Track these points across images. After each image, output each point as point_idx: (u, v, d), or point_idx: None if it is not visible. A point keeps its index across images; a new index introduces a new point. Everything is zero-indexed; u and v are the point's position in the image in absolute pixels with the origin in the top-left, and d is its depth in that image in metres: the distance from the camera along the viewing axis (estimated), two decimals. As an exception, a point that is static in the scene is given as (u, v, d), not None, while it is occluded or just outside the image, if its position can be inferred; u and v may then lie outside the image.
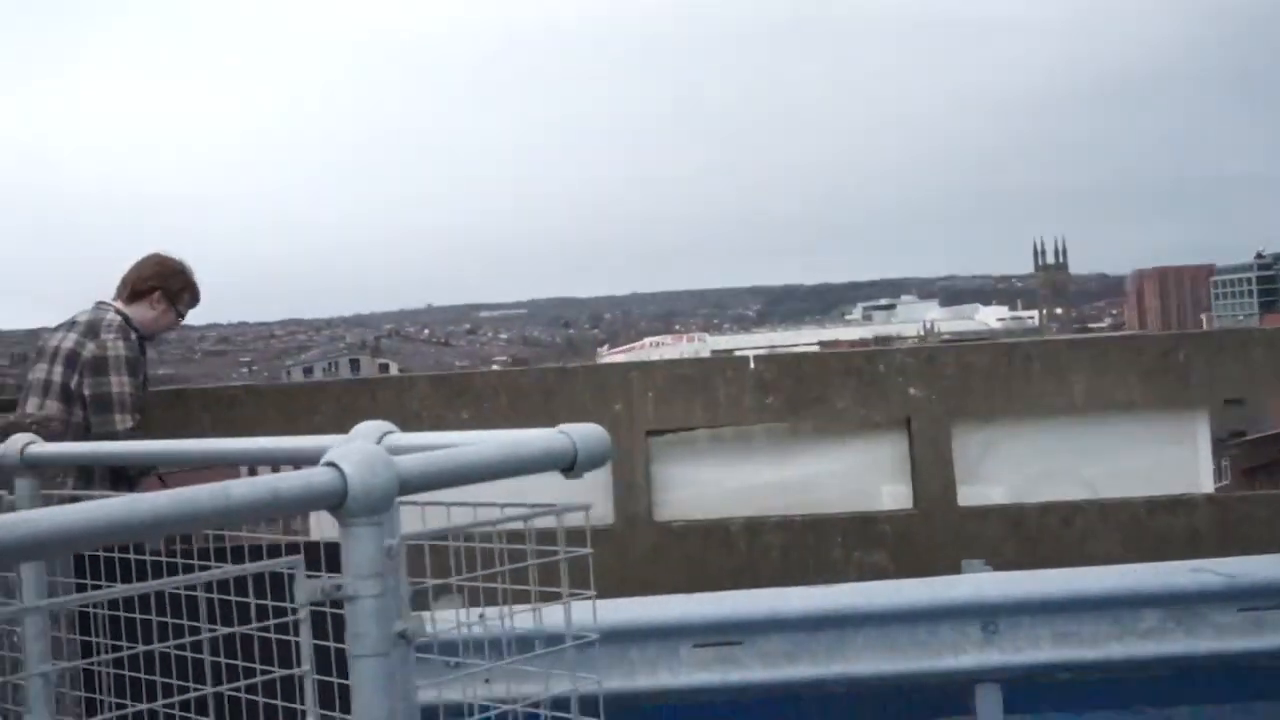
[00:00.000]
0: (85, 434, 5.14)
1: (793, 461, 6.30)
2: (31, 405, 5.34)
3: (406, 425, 6.12)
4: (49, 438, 3.98)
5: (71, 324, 5.54)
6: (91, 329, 5.48)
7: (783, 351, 6.67)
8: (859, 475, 6.22)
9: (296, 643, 2.15)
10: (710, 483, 6.30)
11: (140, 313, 5.60)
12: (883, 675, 5.67)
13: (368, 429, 2.50)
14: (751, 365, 6.13)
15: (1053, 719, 5.94)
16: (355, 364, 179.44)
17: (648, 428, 6.18)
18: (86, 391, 5.33)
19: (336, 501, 1.92)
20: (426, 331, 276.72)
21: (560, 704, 2.41)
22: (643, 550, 6.10)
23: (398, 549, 2.26)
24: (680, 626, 5.80)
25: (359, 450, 1.95)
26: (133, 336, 5.50)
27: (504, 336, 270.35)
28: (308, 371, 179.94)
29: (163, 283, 5.66)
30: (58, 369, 5.41)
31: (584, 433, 2.22)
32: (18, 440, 3.48)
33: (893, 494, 6.16)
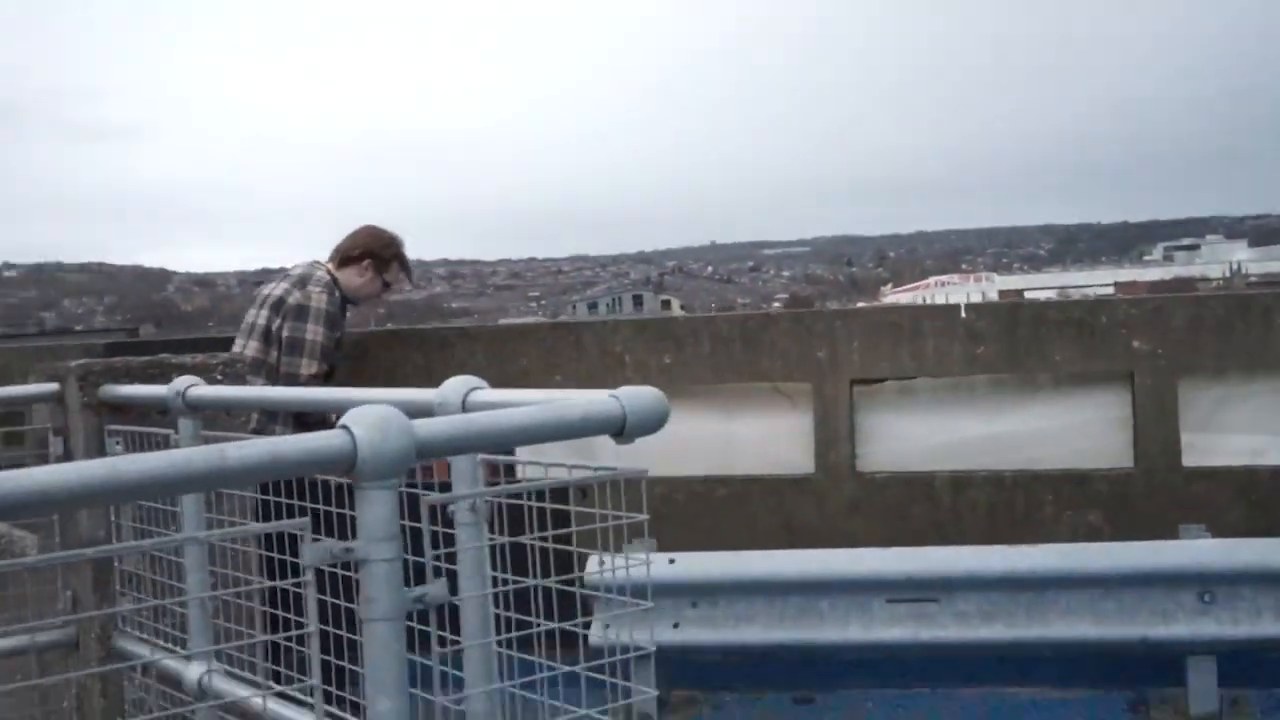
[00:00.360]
0: (276, 375, 5.37)
1: (1004, 415, 6.06)
2: (237, 346, 5.80)
3: (610, 369, 6.20)
4: (239, 377, 4.15)
5: (284, 275, 5.92)
6: (301, 281, 5.83)
7: (996, 300, 6.36)
8: (1075, 431, 5.92)
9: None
10: (916, 435, 6.12)
11: (348, 277, 5.91)
12: (1084, 641, 5.43)
13: (455, 384, 2.47)
14: (963, 314, 5.90)
15: (1276, 695, 5.55)
16: (638, 300, 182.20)
17: (853, 376, 6.01)
18: (284, 334, 5.66)
19: (348, 465, 1.90)
20: (709, 269, 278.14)
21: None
22: (843, 501, 5.98)
23: (480, 506, 2.25)
24: (875, 581, 5.66)
25: (373, 414, 1.93)
26: (335, 294, 5.80)
27: (786, 274, 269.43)
28: (592, 307, 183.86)
29: (372, 252, 5.92)
30: (264, 313, 5.80)
31: (635, 396, 2.13)
32: (181, 383, 3.62)
33: (1107, 450, 5.83)
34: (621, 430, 2.13)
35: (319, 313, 5.72)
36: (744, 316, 6.37)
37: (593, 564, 5.94)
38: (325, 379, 5.69)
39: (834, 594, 5.80)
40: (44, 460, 4.60)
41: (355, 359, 6.79)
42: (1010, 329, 6.01)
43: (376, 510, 1.98)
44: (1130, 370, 5.92)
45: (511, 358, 6.58)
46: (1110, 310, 5.95)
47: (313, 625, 2.06)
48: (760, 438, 6.46)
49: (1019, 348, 6.00)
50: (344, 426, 1.95)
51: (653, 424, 2.14)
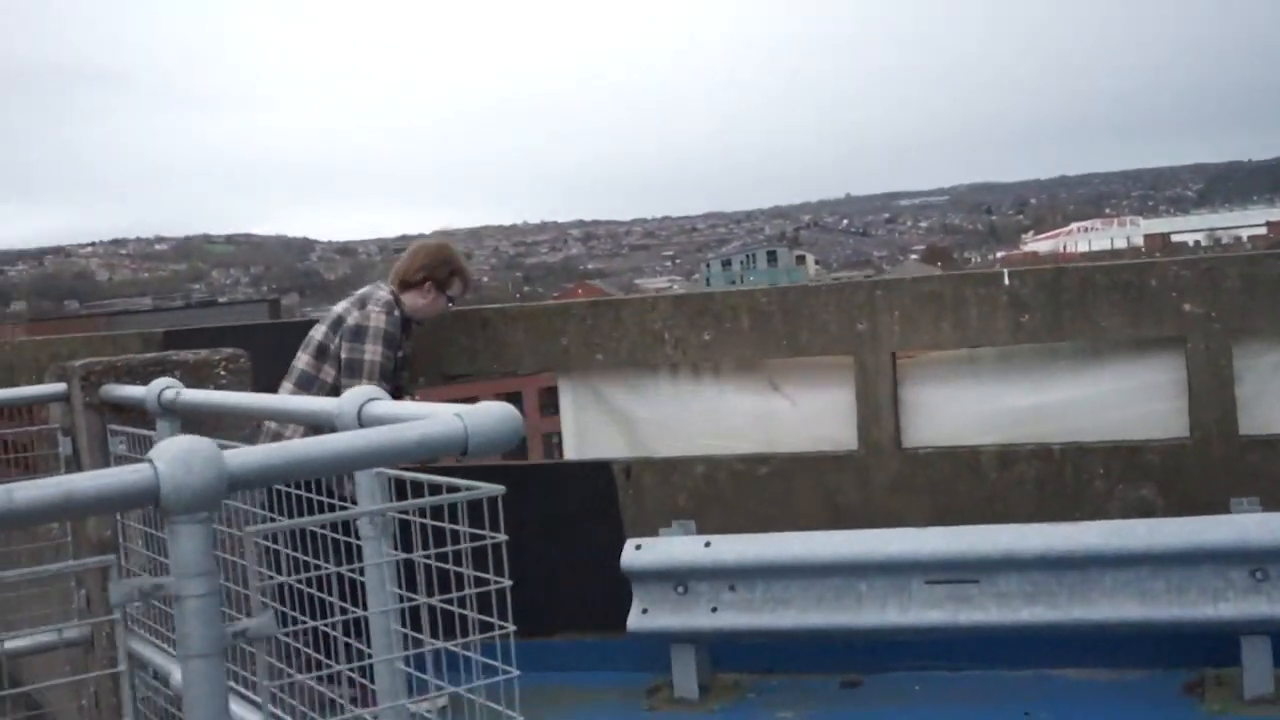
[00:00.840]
0: (334, 393, 5.42)
1: (1051, 385, 5.89)
2: (297, 358, 6.06)
3: (649, 346, 6.17)
4: (243, 372, 4.23)
5: (349, 295, 6.24)
6: (361, 301, 6.09)
7: (1039, 267, 6.12)
8: (1125, 400, 5.71)
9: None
10: (960, 408, 6.00)
11: (411, 300, 6.17)
12: (1129, 622, 5.25)
13: (354, 396, 2.43)
14: (1006, 281, 5.71)
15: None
16: (772, 256, 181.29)
17: (894, 348, 5.86)
18: (342, 355, 5.91)
19: (152, 499, 1.85)
20: (845, 222, 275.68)
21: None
22: (887, 478, 5.87)
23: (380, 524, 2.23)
24: (912, 562, 5.54)
25: (178, 446, 1.89)
26: (396, 313, 6.04)
27: (923, 225, 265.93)
28: (725, 264, 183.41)
29: (431, 273, 6.17)
30: (323, 329, 6.08)
31: (480, 416, 2.06)
32: (157, 385, 3.67)
33: (1160, 421, 5.60)
34: (465, 451, 2.05)
35: (378, 332, 5.95)
36: (783, 290, 6.25)
37: (629, 549, 5.89)
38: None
39: (872, 575, 5.70)
40: (54, 460, 4.68)
41: (420, 344, 6.81)
42: (1055, 295, 5.82)
43: (186, 545, 1.94)
44: (1183, 335, 5.66)
45: (552, 337, 6.56)
46: (1160, 272, 5.73)
47: (123, 664, 2.02)
48: (803, 414, 6.35)
49: (1064, 315, 5.82)
50: (149, 460, 1.91)
51: (500, 443, 2.07)
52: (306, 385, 5.94)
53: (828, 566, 5.76)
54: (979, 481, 6.04)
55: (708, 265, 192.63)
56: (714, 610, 5.93)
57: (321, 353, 6.02)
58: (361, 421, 2.59)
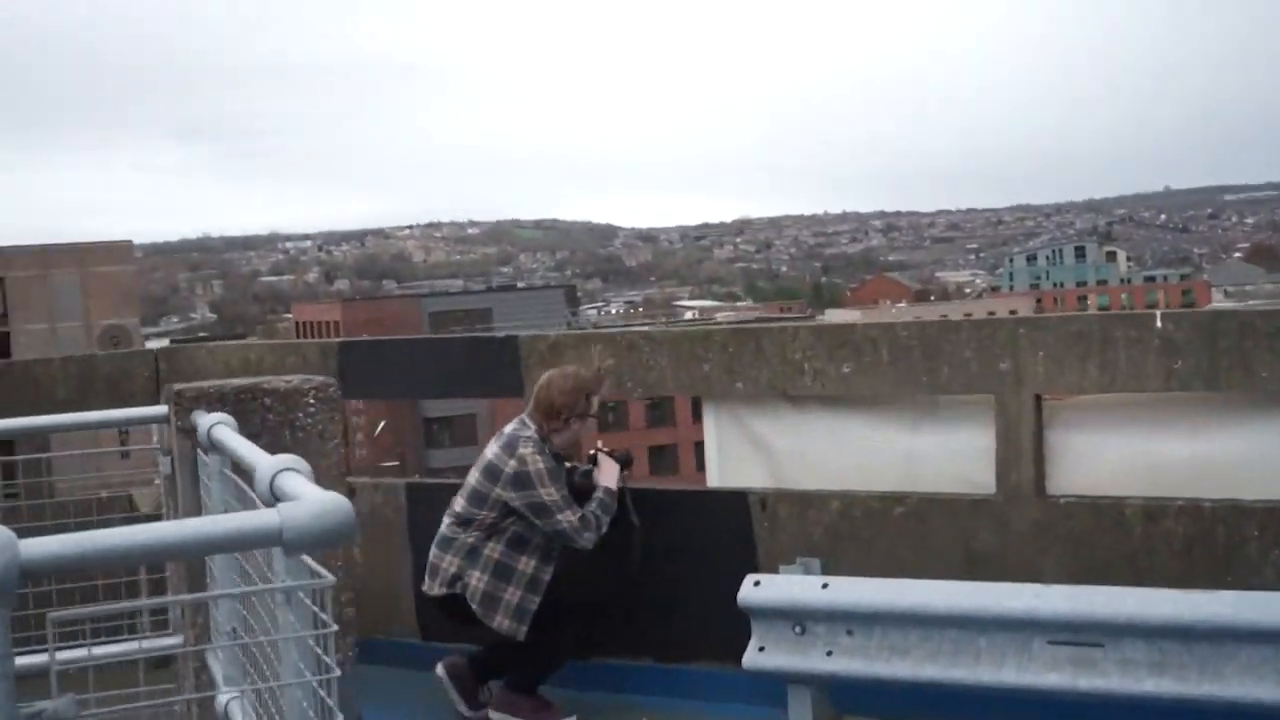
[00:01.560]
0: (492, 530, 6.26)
1: (1206, 437, 5.51)
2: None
3: (789, 376, 6.09)
4: (332, 401, 5.01)
5: (499, 435, 6.47)
6: (510, 445, 6.32)
7: (1197, 310, 5.69)
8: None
9: None
10: (1109, 456, 5.68)
11: (557, 439, 6.36)
12: (1263, 703, 4.85)
13: (270, 464, 2.48)
14: (1158, 324, 5.34)
15: None
16: (1080, 251, 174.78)
17: (1036, 390, 5.59)
18: (521, 504, 6.21)
19: (-62, 586, 1.93)
20: (1162, 217, 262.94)
21: None
22: (1025, 527, 5.61)
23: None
24: (1034, 620, 5.28)
25: (-33, 535, 1.95)
26: (547, 449, 6.29)
27: (1249, 221, 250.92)
28: (1030, 259, 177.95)
29: (571, 410, 6.33)
30: (476, 475, 6.37)
31: (296, 512, 2.06)
32: (207, 420, 3.85)
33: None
34: (281, 545, 2.06)
35: (539, 474, 6.20)
36: (923, 324, 6.02)
37: (747, 584, 5.82)
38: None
39: (991, 631, 5.42)
40: (152, 479, 4.90)
41: (547, 364, 6.89)
42: (1211, 341, 5.41)
43: (-29, 631, 2.00)
44: (1351, 390, 5.19)
45: (695, 363, 6.50)
46: (1325, 320, 5.23)
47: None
48: (943, 454, 6.11)
49: (1220, 362, 5.38)
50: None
51: (321, 538, 2.06)
52: (456, 521, 6.34)
53: (947, 618, 5.52)
54: (1123, 536, 5.68)
55: (1010, 260, 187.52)
56: (829, 654, 5.77)
57: (476, 500, 6.28)
58: (274, 491, 2.64)
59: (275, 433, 4.67)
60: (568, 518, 6.16)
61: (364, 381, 7.59)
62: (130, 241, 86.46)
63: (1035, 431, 5.90)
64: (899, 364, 6.13)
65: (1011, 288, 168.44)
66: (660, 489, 6.95)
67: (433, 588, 6.32)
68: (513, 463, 6.22)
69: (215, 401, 4.66)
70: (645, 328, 7.00)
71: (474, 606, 6.19)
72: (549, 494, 6.17)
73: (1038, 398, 5.90)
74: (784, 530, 6.36)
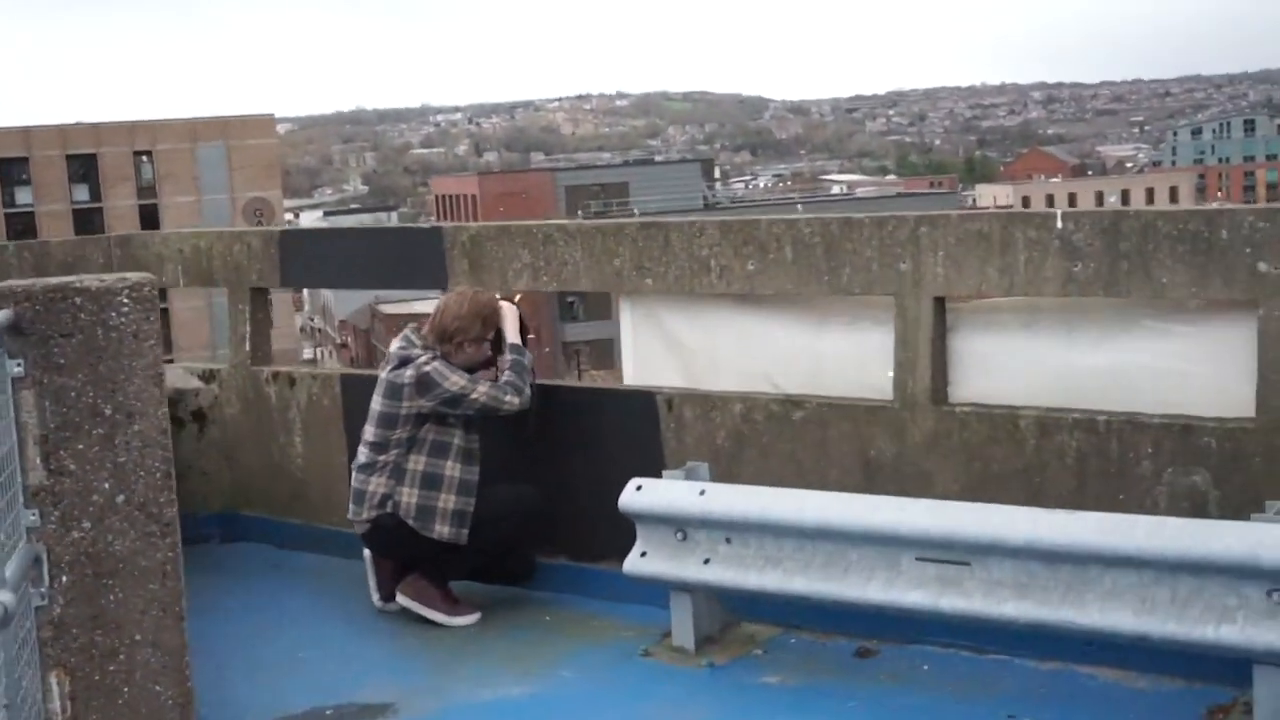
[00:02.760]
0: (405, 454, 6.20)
1: (1104, 346, 5.16)
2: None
3: (696, 272, 5.92)
4: (148, 301, 4.73)
5: (387, 359, 6.37)
6: (401, 362, 6.20)
7: (1098, 210, 5.28)
8: (1185, 370, 4.92)
9: None
10: (1012, 366, 5.39)
11: (459, 359, 6.23)
12: (1120, 632, 4.65)
13: None
14: (1059, 225, 5.00)
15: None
16: (1249, 125, 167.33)
17: (936, 292, 5.31)
18: (429, 406, 6.11)
19: None
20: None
21: None
22: (921, 436, 5.41)
23: None
24: (897, 535, 5.10)
25: None
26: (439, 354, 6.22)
27: None
28: (1195, 133, 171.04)
29: (465, 334, 6.21)
30: (376, 398, 6.28)
31: None
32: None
33: (1223, 397, 4.82)
34: None
35: (439, 371, 6.11)
36: (825, 222, 5.71)
37: (630, 489, 5.70)
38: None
39: (863, 545, 5.22)
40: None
41: (471, 257, 6.75)
42: (1111, 243, 5.03)
43: None
44: (1254, 299, 4.79)
45: (607, 258, 6.28)
46: (1231, 223, 4.83)
47: None
48: (846, 358, 5.84)
49: (1120, 266, 5.01)
50: None
51: None
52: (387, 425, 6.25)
53: (818, 530, 5.30)
54: (1016, 449, 5.37)
55: (1174, 134, 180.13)
56: (706, 561, 5.60)
57: (388, 422, 6.19)
58: None
59: (88, 332, 4.60)
60: (482, 390, 6.06)
61: (303, 271, 7.52)
62: (272, 115, 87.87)
63: (935, 337, 5.58)
64: (802, 262, 5.83)
65: (1174, 163, 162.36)
66: (571, 385, 6.79)
67: (361, 513, 6.27)
68: (409, 372, 6.10)
69: (24, 300, 4.59)
70: (561, 221, 6.75)
71: (410, 522, 6.13)
72: (455, 382, 6.05)
73: (938, 301, 5.57)
74: (689, 432, 6.16)
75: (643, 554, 5.78)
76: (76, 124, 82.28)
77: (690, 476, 5.73)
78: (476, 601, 6.43)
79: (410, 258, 7.01)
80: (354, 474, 6.29)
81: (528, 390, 6.16)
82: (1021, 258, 5.30)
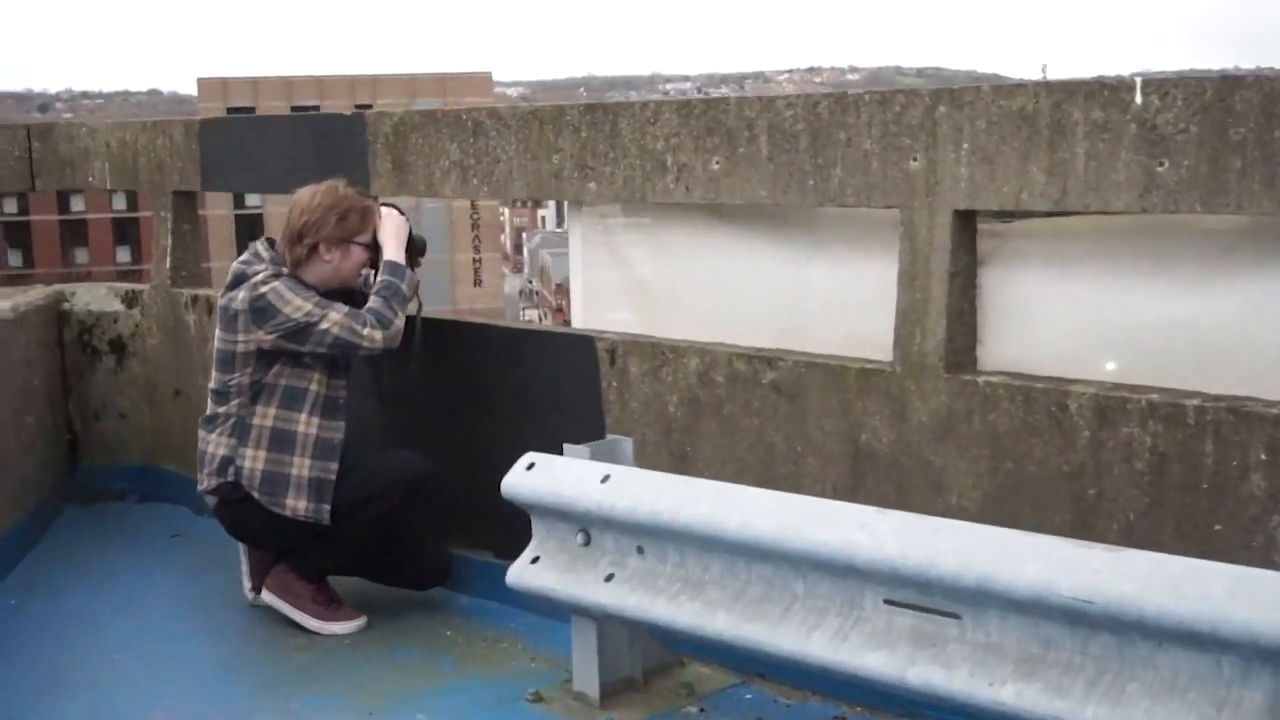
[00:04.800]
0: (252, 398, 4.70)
1: (1200, 294, 3.29)
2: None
3: (649, 171, 4.28)
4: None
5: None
6: (235, 281, 4.71)
7: (1200, 74, 3.37)
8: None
9: None
10: (1054, 316, 3.56)
11: (309, 276, 4.71)
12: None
13: None
14: (1138, 98, 3.19)
15: None
16: None
17: (957, 203, 3.54)
18: (271, 340, 4.60)
19: None
20: None
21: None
22: (928, 415, 3.66)
23: None
24: (852, 564, 3.42)
25: None
26: (284, 273, 4.70)
27: None
28: None
29: (317, 233, 4.68)
30: (216, 332, 4.78)
31: None
32: None
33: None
34: None
35: (277, 292, 4.59)
36: (813, 101, 3.94)
37: (518, 468, 4.14)
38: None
39: (812, 575, 3.49)
40: None
41: (395, 152, 5.19)
42: (1217, 128, 3.17)
43: None
44: None
45: (545, 153, 4.63)
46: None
47: None
48: (835, 298, 4.07)
49: (1229, 166, 3.16)
50: None
51: None
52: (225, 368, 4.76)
53: (753, 546, 3.57)
54: (1063, 443, 3.54)
55: None
56: (609, 578, 3.92)
57: (226, 363, 4.71)
58: None
59: None
60: (333, 319, 4.55)
61: (224, 170, 6.04)
62: (490, 73, 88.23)
63: (955, 270, 3.77)
64: (780, 159, 4.07)
65: None
66: (483, 322, 5.15)
67: (202, 481, 4.80)
68: (242, 294, 4.59)
69: None
70: (496, 105, 5.04)
71: (255, 494, 4.64)
72: (298, 307, 4.55)
73: (962, 217, 3.76)
74: (635, 394, 4.47)
75: (534, 559, 4.13)
76: (301, 76, 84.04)
77: (599, 455, 4.04)
78: (371, 604, 4.89)
79: (331, 153, 5.45)
80: (199, 430, 4.81)
81: (398, 322, 4.58)
82: (1080, 151, 3.44)
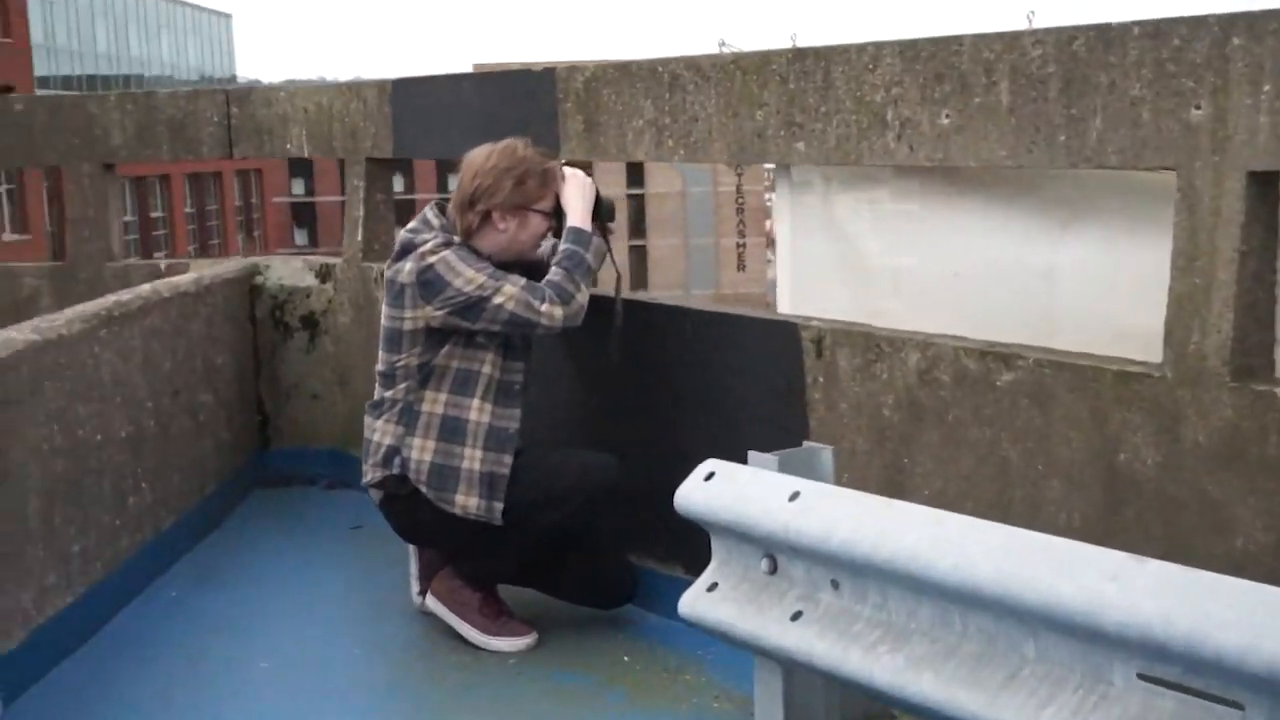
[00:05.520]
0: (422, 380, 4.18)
1: None
2: None
3: (867, 128, 3.66)
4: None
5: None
6: (401, 251, 4.17)
7: None
8: None
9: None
10: None
11: (481, 245, 4.17)
12: None
13: None
14: None
15: None
16: None
17: (1252, 163, 2.80)
18: (440, 316, 4.07)
19: None
20: None
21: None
22: (1208, 435, 2.96)
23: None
24: (1099, 627, 2.68)
25: None
26: (456, 241, 4.16)
27: None
28: None
29: (491, 197, 4.13)
30: (384, 309, 4.26)
31: None
32: None
33: None
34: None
35: (447, 262, 4.06)
36: (1068, 35, 3.17)
37: (695, 477, 3.57)
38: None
39: (1045, 634, 2.77)
40: None
41: (586, 111, 4.64)
42: None
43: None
44: None
45: (747, 109, 3.99)
46: None
47: None
48: (1092, 284, 3.30)
49: None
50: None
51: None
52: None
53: (971, 593, 2.85)
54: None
55: None
56: (796, 617, 3.24)
57: (393, 342, 4.20)
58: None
59: None
60: (508, 292, 4.01)
61: (415, 134, 5.56)
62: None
63: (1250, 248, 2.94)
64: (1025, 110, 3.31)
65: None
66: (674, 305, 4.47)
67: (367, 473, 4.33)
68: (408, 265, 4.08)
69: None
70: (694, 56, 4.36)
71: (423, 488, 4.14)
72: (469, 279, 4.01)
73: (1258, 179, 2.92)
74: (844, 392, 3.77)
75: (711, 586, 3.49)
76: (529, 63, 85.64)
77: (791, 466, 3.36)
78: (544, 617, 4.34)
79: (521, 113, 4.91)
80: (365, 416, 4.33)
81: (580, 297, 4.01)
82: None
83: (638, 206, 72.11)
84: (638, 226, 72.96)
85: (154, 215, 54.62)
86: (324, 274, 6.06)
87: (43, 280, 6.56)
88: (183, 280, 5.42)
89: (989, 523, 2.98)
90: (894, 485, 3.60)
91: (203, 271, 5.76)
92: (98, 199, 6.44)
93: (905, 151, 3.61)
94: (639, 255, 73.34)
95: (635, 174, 70.34)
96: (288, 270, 6.15)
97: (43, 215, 42.67)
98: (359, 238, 5.85)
